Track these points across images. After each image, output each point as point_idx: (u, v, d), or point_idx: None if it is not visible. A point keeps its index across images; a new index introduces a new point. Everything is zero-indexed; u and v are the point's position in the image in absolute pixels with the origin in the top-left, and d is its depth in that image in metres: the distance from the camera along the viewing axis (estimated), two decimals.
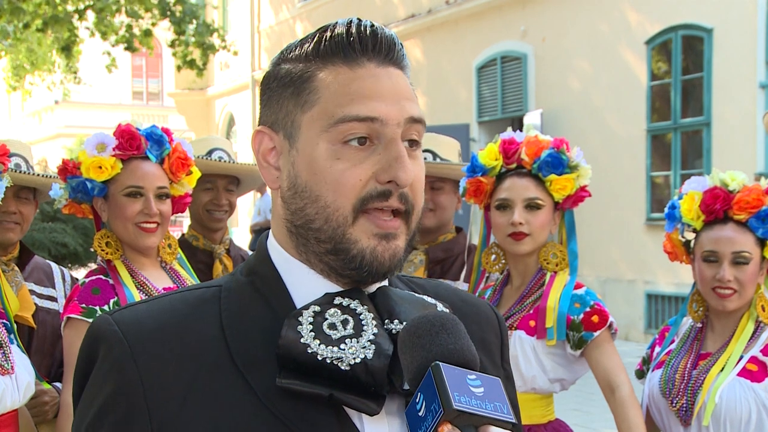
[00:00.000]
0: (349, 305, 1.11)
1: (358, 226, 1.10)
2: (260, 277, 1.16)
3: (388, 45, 1.14)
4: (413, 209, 1.13)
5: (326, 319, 1.09)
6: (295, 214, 1.13)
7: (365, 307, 1.11)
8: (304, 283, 1.14)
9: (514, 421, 0.99)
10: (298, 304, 1.13)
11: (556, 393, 2.68)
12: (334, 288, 1.14)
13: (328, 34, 1.13)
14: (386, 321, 1.11)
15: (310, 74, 1.13)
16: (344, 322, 1.09)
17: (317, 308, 1.10)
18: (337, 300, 1.11)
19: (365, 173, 1.09)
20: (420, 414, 1.00)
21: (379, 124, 1.10)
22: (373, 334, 1.09)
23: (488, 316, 1.30)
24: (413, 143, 1.14)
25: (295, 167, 1.13)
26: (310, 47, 1.14)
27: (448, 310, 1.17)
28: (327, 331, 1.08)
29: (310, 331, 1.07)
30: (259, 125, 1.19)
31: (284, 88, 1.15)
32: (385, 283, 1.18)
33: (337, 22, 1.14)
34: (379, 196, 1.10)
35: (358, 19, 1.14)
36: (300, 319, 1.08)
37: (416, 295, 1.18)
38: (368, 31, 1.12)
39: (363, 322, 1.10)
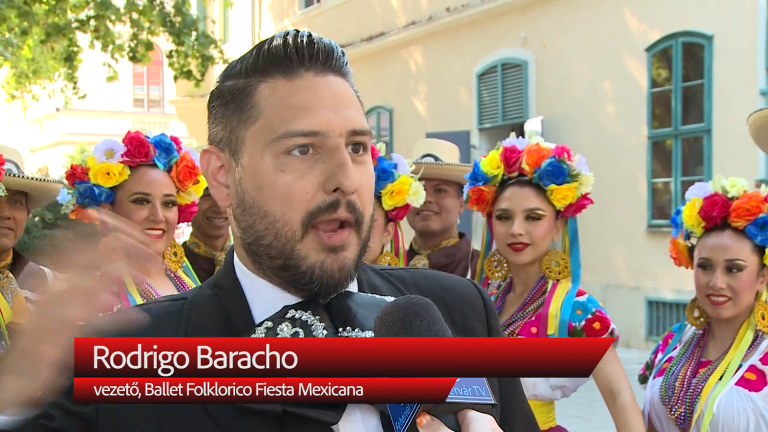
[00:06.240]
0: (300, 317, 1.11)
1: (306, 242, 1.10)
2: (223, 291, 1.18)
3: (325, 53, 1.13)
4: (363, 217, 1.13)
5: (277, 334, 1.09)
6: (245, 232, 1.14)
7: (317, 317, 1.12)
8: (264, 297, 1.15)
9: (493, 402, 0.98)
10: (257, 318, 1.14)
11: (557, 400, 2.68)
12: (294, 299, 1.14)
13: (266, 47, 1.13)
14: (340, 329, 1.12)
15: (251, 89, 1.13)
16: (294, 336, 1.09)
17: (270, 324, 1.10)
18: (290, 313, 1.12)
19: (311, 185, 1.10)
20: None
21: (321, 138, 1.09)
22: None
23: (473, 303, 1.28)
24: (359, 147, 1.13)
25: (241, 184, 1.13)
26: (250, 62, 1.14)
27: None
28: None
29: None
30: (207, 144, 1.19)
31: (227, 105, 1.15)
32: (351, 287, 1.18)
33: (274, 36, 1.14)
34: (328, 209, 1.10)
35: (295, 30, 1.15)
36: (252, 336, 1.09)
37: (378, 297, 1.17)
38: (304, 41, 1.12)
39: (313, 334, 1.10)
